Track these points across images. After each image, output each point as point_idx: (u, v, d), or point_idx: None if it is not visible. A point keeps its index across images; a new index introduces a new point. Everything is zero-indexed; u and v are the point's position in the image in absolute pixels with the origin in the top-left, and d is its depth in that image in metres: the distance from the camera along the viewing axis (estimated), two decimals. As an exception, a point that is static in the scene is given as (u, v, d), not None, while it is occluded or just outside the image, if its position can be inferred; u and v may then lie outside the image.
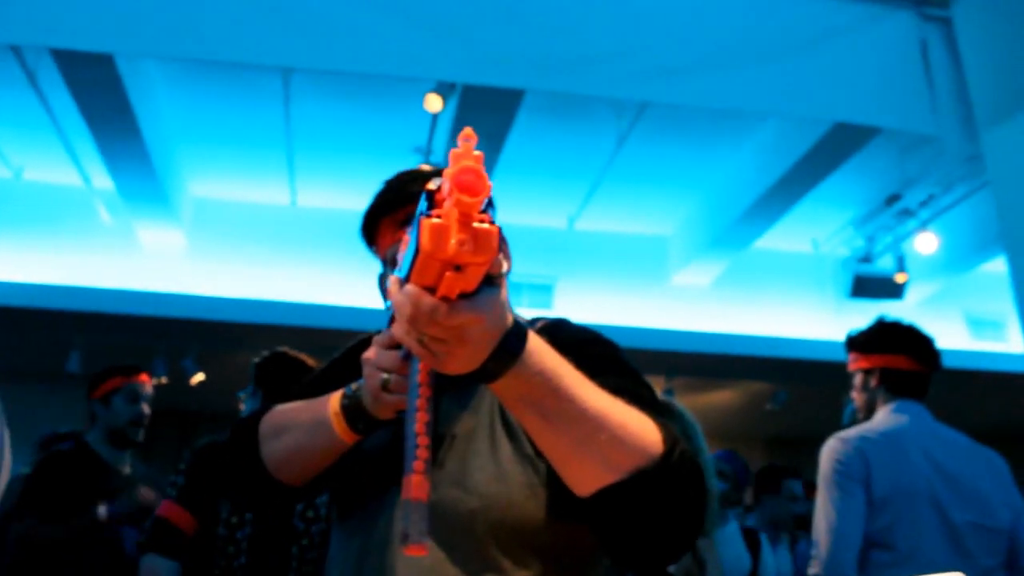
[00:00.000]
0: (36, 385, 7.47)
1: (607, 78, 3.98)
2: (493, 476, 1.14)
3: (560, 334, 1.09)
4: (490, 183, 0.75)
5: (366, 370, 1.08)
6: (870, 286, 6.69)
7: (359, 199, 1.31)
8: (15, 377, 7.45)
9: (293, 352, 2.97)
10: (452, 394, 1.22)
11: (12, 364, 7.58)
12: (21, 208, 6.51)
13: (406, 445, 0.87)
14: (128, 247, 6.58)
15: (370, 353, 1.07)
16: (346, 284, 6.33)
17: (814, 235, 7.14)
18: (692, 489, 0.98)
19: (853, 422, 2.44)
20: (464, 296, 0.81)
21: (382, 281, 1.34)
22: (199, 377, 7.13)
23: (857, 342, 2.48)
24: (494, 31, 3.80)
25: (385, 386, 1.06)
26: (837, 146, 5.11)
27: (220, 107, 5.52)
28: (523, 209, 6.63)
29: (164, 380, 6.73)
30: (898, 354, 2.40)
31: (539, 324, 1.25)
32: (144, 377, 3.33)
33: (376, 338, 1.08)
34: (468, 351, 0.85)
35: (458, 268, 0.77)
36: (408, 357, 1.01)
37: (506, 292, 0.88)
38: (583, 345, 1.11)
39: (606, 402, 0.95)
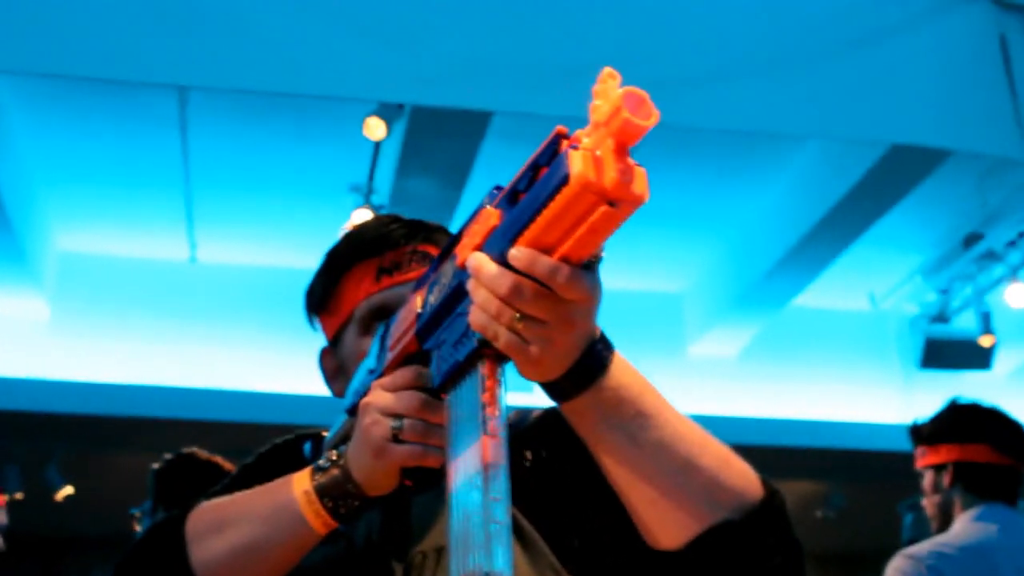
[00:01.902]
0: None
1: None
2: None
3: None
4: (658, 113, 0.83)
5: (367, 419, 1.08)
6: (947, 353, 6.76)
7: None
8: None
9: (204, 453, 2.99)
10: (428, 496, 1.21)
11: None
12: None
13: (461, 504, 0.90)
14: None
15: (373, 398, 1.09)
16: (263, 364, 6.32)
17: (871, 288, 7.21)
18: (795, 542, 1.04)
19: (916, 537, 2.48)
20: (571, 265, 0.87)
21: (324, 359, 1.38)
22: (67, 491, 7.06)
23: (924, 432, 2.53)
24: (451, 39, 3.88)
25: (396, 436, 1.06)
26: (897, 174, 5.20)
27: (97, 137, 5.56)
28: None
29: (19, 496, 6.65)
30: (977, 443, 2.45)
31: (533, 415, 1.28)
32: None
33: (379, 381, 1.10)
34: (569, 342, 0.91)
35: (612, 204, 0.83)
36: (435, 396, 1.05)
37: None
38: None
39: (701, 430, 1.01)
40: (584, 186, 0.82)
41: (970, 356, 6.72)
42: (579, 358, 0.93)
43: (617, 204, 0.84)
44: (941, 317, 6.87)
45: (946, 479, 2.46)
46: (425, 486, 1.12)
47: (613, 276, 7.03)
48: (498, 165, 5.47)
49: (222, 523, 1.21)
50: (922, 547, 2.33)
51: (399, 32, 3.86)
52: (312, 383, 1.32)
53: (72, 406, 6.28)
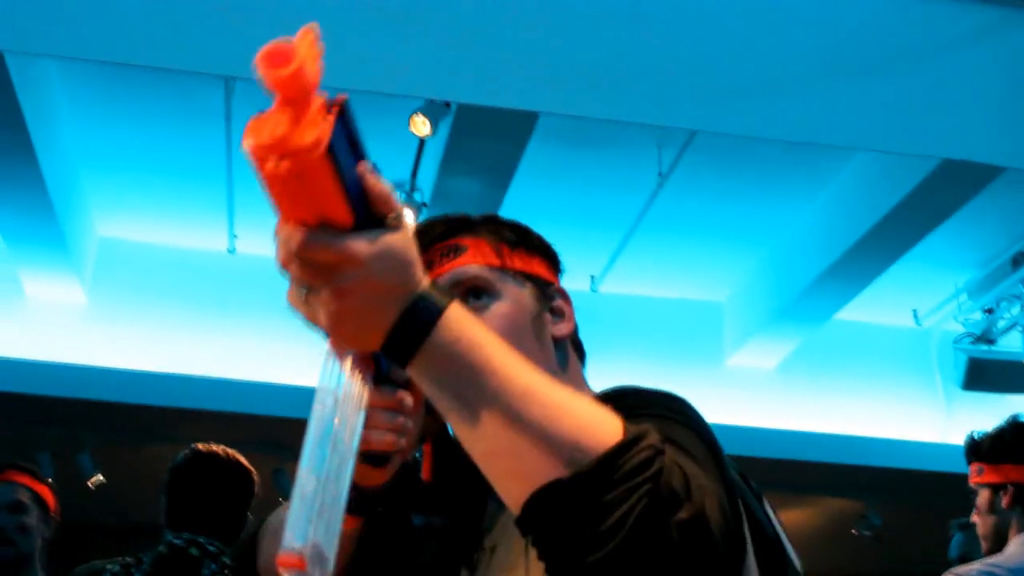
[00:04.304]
0: None
1: (644, 100, 4.07)
2: None
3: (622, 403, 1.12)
4: (308, 53, 0.82)
5: None
6: (991, 373, 6.69)
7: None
8: None
9: (211, 447, 3.06)
10: (496, 502, 1.23)
11: None
12: None
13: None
14: (9, 304, 6.64)
15: None
16: (298, 357, 6.35)
17: (915, 305, 7.19)
18: (649, 496, 0.88)
19: (965, 556, 2.46)
20: (334, 228, 0.88)
21: None
22: (98, 478, 7.12)
23: (983, 449, 2.50)
24: (500, 39, 3.89)
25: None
26: (946, 190, 5.16)
27: (141, 124, 5.61)
28: (532, 264, 6.65)
29: (50, 482, 6.71)
30: (1041, 465, 2.43)
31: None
32: (12, 476, 3.38)
33: None
34: (352, 309, 0.90)
35: (284, 158, 0.83)
36: (379, 381, 1.08)
37: (411, 246, 0.93)
38: (625, 402, 1.11)
39: (541, 378, 0.94)
40: (248, 152, 0.84)
41: (1014, 378, 6.64)
42: (396, 321, 0.91)
43: (287, 156, 0.83)
44: (986, 337, 6.81)
45: (1005, 500, 2.44)
46: (381, 463, 1.17)
47: (649, 285, 7.05)
48: (542, 166, 5.48)
49: (275, 530, 1.28)
50: (972, 566, 2.32)
51: (447, 29, 3.87)
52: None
53: (104, 393, 6.33)
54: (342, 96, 0.88)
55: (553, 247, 1.48)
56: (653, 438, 0.91)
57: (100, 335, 6.62)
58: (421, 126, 4.64)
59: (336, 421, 0.94)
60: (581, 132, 5.32)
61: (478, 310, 1.29)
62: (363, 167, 0.91)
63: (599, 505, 0.87)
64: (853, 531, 8.13)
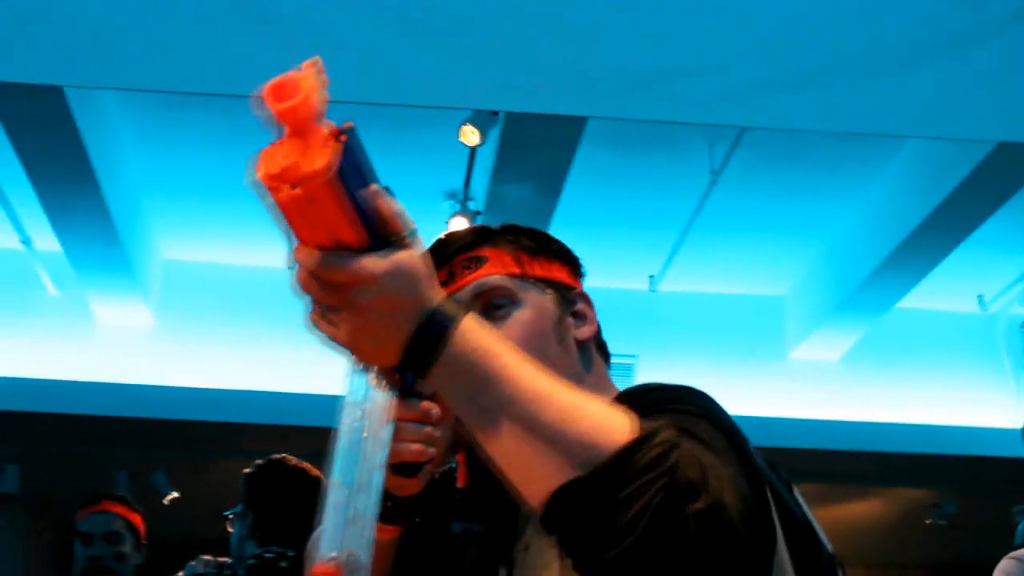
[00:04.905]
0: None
1: (693, 99, 4.07)
2: None
3: (630, 400, 1.14)
4: (312, 84, 0.87)
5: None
6: (1060, 356, 6.61)
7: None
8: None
9: (293, 459, 3.08)
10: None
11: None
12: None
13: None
14: (79, 327, 6.77)
15: None
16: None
17: (979, 290, 7.12)
18: (667, 489, 0.89)
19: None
20: (348, 249, 0.92)
21: None
22: (172, 496, 7.24)
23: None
24: (544, 46, 3.91)
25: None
26: (1004, 173, 5.11)
27: (197, 149, 5.72)
28: (589, 269, 6.63)
29: (140, 509, 6.84)
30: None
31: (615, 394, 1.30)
32: (108, 506, 3.46)
33: None
34: (369, 325, 0.93)
35: (294, 187, 0.87)
36: (405, 394, 1.14)
37: (423, 262, 0.97)
38: (645, 399, 1.14)
39: (554, 383, 0.97)
40: (260, 181, 0.88)
41: (1085, 359, 6.56)
42: (412, 335, 0.94)
43: (299, 183, 0.87)
44: (1054, 318, 6.74)
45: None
46: (412, 472, 1.22)
47: (708, 282, 7.03)
48: (594, 170, 5.50)
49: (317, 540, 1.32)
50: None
51: (491, 40, 3.90)
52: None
53: (175, 412, 6.44)
54: (348, 123, 0.92)
55: (572, 252, 1.49)
56: (668, 433, 0.93)
57: (168, 355, 6.73)
58: (471, 136, 4.68)
59: (364, 434, 1.00)
60: (631, 134, 5.33)
61: (501, 318, 1.32)
62: (373, 189, 0.95)
63: (616, 501, 0.89)
64: (928, 521, 8.05)
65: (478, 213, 5.51)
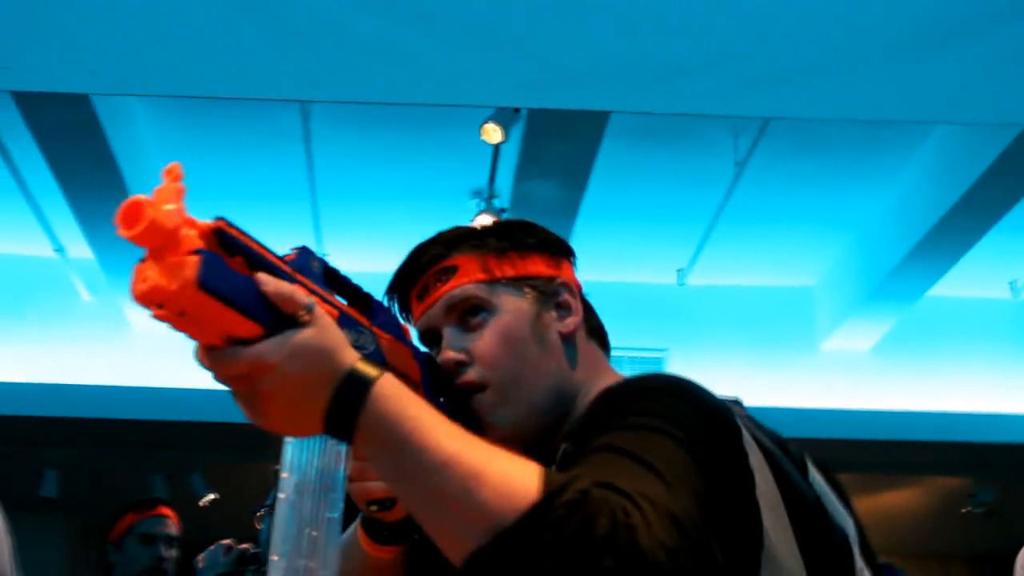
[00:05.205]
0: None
1: (716, 91, 4.05)
2: None
3: (607, 401, 1.15)
4: (161, 201, 0.91)
5: None
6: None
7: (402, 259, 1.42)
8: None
9: None
10: None
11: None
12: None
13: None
14: (114, 333, 6.82)
15: None
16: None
17: (1011, 276, 7.07)
18: (563, 549, 0.89)
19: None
20: (242, 342, 0.94)
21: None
22: (210, 497, 7.29)
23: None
24: (564, 41, 3.91)
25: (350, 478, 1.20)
26: (1031, 158, 5.07)
27: (224, 154, 5.76)
28: (616, 264, 6.69)
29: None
30: None
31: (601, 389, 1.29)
32: (164, 510, 3.54)
33: None
34: (283, 406, 0.96)
35: (160, 307, 0.91)
36: None
37: (325, 334, 0.97)
38: (616, 404, 1.13)
39: (462, 446, 0.96)
40: (136, 302, 0.92)
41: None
42: (327, 408, 0.96)
43: (163, 302, 0.90)
44: (1089, 303, 6.67)
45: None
46: (388, 506, 1.27)
47: (736, 274, 7.00)
48: (618, 165, 5.50)
49: (344, 541, 1.37)
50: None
51: (511, 37, 3.90)
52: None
53: (211, 414, 6.47)
54: (214, 223, 0.96)
55: (554, 235, 1.44)
56: (578, 485, 0.92)
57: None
58: (493, 133, 4.68)
59: (295, 500, 1.07)
60: (654, 128, 5.32)
61: (476, 328, 1.31)
62: (258, 277, 0.96)
63: (524, 563, 0.90)
64: (964, 509, 7.99)
65: (504, 211, 5.52)
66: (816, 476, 1.20)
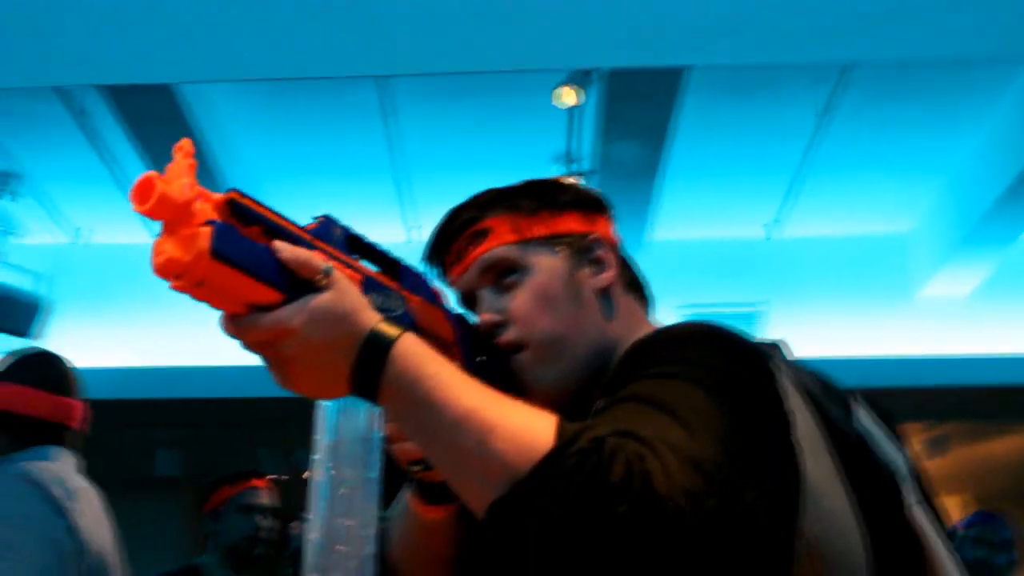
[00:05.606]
0: (115, 493, 7.98)
1: (796, 39, 3.99)
2: None
3: (637, 353, 1.14)
4: (172, 177, 0.93)
5: None
6: None
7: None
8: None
9: None
10: None
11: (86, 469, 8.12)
12: (84, 277, 7.00)
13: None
14: (214, 315, 6.98)
15: None
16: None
17: (1115, 212, 6.83)
18: (575, 499, 0.88)
19: None
20: (264, 309, 0.97)
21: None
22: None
23: None
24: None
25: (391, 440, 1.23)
26: None
27: (306, 132, 5.84)
28: (703, 220, 6.67)
29: (275, 478, 7.12)
30: None
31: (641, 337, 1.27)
32: (258, 482, 3.62)
33: None
34: (308, 370, 0.99)
35: (178, 277, 0.94)
36: None
37: (344, 296, 0.99)
38: (644, 354, 1.12)
39: (480, 401, 0.98)
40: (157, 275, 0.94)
41: None
42: (352, 369, 0.98)
43: (180, 274, 0.93)
44: None
45: None
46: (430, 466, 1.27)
47: (827, 224, 6.90)
48: (698, 120, 5.44)
49: (397, 514, 1.40)
50: None
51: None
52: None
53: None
54: (226, 195, 0.97)
55: (590, 192, 1.44)
56: (593, 432, 0.93)
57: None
58: (567, 97, 4.67)
59: (332, 473, 1.10)
60: (734, 81, 5.25)
61: (510, 288, 1.32)
62: (275, 245, 0.98)
63: (540, 512, 0.90)
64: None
65: (591, 173, 5.51)
66: (862, 416, 1.17)
